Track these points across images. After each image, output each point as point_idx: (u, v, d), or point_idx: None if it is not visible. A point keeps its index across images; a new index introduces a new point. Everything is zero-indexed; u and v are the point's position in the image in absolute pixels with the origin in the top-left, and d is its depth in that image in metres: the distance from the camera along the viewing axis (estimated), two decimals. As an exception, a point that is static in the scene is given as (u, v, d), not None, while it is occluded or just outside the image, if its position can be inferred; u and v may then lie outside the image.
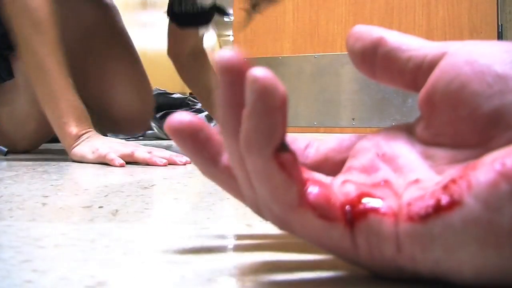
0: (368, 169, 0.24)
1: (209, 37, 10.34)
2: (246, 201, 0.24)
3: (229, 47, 0.23)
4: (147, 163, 0.76)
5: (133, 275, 0.23)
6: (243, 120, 0.19)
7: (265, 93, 0.18)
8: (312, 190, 0.20)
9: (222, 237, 0.31)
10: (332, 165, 0.27)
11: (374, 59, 0.25)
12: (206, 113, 1.72)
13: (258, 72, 0.18)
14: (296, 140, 0.28)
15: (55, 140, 1.25)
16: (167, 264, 0.25)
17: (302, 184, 0.20)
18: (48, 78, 0.79)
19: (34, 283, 0.22)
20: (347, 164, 0.25)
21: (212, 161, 0.24)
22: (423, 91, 0.23)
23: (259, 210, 0.23)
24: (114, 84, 1.11)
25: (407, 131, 0.25)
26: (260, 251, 0.27)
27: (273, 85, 0.18)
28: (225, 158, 0.24)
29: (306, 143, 0.28)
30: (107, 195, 0.47)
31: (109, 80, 1.12)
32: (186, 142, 0.23)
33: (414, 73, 0.24)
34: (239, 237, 0.31)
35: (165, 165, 0.76)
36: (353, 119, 2.31)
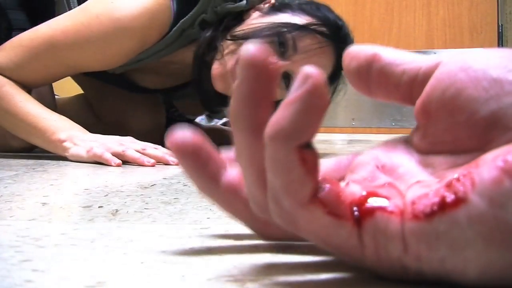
0: (368, 180, 0.24)
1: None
2: (247, 217, 0.25)
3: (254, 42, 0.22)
4: (136, 163, 0.77)
5: (132, 275, 0.23)
6: (280, 106, 0.19)
7: (315, 90, 0.18)
8: (324, 187, 0.20)
9: (222, 237, 0.31)
10: None
11: (369, 76, 0.25)
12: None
13: (312, 70, 0.18)
14: None
15: None
16: (166, 264, 0.25)
17: (316, 182, 0.20)
18: (16, 116, 0.84)
19: (34, 283, 0.22)
20: (347, 179, 0.25)
21: (213, 180, 0.24)
22: (419, 102, 0.23)
23: (264, 212, 0.22)
24: (131, 108, 1.16)
25: (405, 142, 0.25)
26: (260, 251, 0.27)
27: (324, 86, 0.18)
28: (226, 176, 0.24)
29: None
30: (107, 195, 0.47)
31: (127, 105, 1.17)
32: (188, 160, 0.23)
33: (409, 86, 0.24)
34: (239, 237, 0.31)
35: (153, 165, 0.76)
36: (353, 119, 2.31)
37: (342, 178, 0.26)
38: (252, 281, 0.22)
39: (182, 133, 0.23)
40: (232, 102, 0.21)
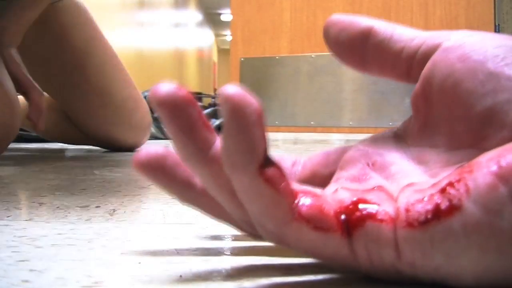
0: (358, 179, 0.23)
1: (206, 37, 10.34)
2: (234, 221, 0.24)
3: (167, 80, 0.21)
4: None
5: (130, 275, 0.23)
6: (221, 140, 0.18)
7: (240, 110, 0.17)
8: (304, 202, 0.19)
9: (220, 237, 0.31)
10: (320, 180, 0.26)
11: (364, 50, 0.24)
12: (209, 110, 1.73)
13: (230, 90, 0.17)
14: (282, 159, 0.28)
15: (26, 139, 1.24)
16: (164, 264, 0.25)
17: (292, 197, 0.19)
18: None
19: (31, 283, 0.22)
20: (336, 176, 0.24)
21: (187, 185, 0.23)
22: (419, 87, 0.23)
23: (251, 227, 0.22)
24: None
25: (395, 137, 0.24)
26: (258, 251, 0.27)
27: (247, 101, 0.17)
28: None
29: (293, 161, 0.28)
30: (104, 195, 0.47)
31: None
32: (157, 173, 0.22)
33: (407, 64, 0.23)
34: (236, 237, 0.31)
35: None
36: (350, 119, 2.31)
37: (331, 174, 0.25)
38: (250, 281, 0.22)
39: (144, 152, 0.22)
40: (173, 145, 0.20)
